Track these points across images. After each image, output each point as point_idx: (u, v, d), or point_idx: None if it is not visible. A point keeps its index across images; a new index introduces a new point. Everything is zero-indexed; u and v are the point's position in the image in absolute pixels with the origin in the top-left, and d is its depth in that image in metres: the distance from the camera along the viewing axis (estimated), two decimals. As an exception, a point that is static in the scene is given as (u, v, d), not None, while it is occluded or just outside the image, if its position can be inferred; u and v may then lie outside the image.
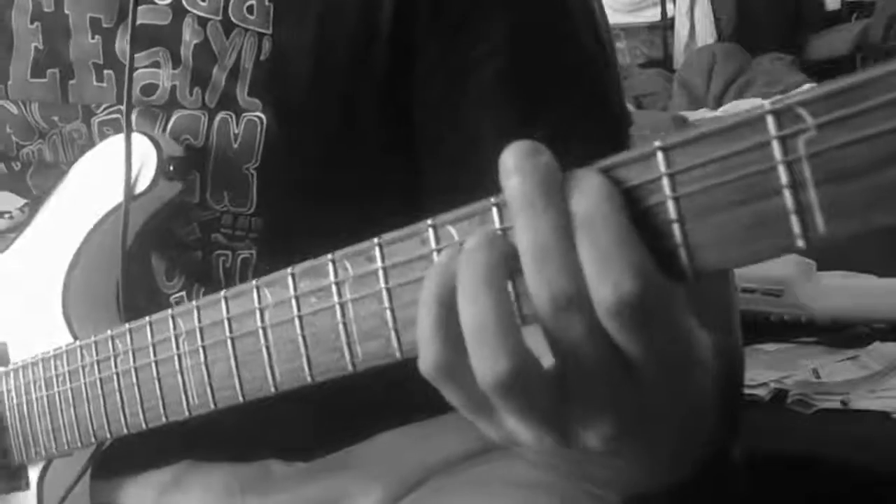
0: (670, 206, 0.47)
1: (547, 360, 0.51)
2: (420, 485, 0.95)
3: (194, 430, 0.77)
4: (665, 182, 0.47)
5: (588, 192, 0.48)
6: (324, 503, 0.94)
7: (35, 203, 0.91)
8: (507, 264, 0.50)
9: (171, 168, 0.82)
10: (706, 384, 0.56)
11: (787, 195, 0.43)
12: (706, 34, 4.15)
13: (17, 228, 0.91)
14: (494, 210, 0.51)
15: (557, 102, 0.83)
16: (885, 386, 1.63)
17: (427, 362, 0.52)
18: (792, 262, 1.86)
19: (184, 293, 0.89)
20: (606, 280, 0.47)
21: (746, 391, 1.55)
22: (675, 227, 0.47)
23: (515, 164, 0.49)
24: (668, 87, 3.97)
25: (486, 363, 0.49)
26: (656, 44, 4.35)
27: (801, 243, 0.43)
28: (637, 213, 0.48)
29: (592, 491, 0.94)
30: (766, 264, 1.89)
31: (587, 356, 0.50)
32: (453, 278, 0.51)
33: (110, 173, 0.83)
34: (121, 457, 0.87)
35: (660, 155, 0.46)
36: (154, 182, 0.81)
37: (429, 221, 0.54)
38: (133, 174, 0.82)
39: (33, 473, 0.88)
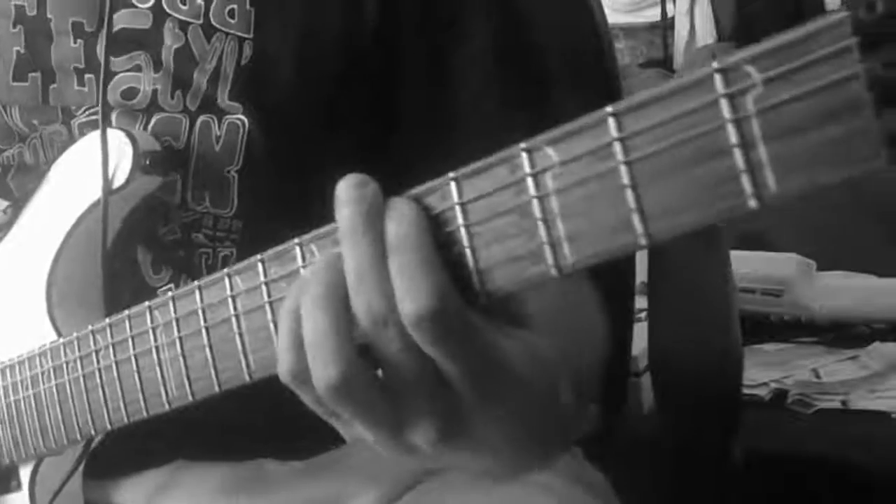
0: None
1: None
2: (416, 484, 0.94)
3: (188, 430, 0.77)
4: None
5: (398, 218, 0.53)
6: (321, 502, 0.94)
7: (17, 205, 0.91)
8: (340, 287, 0.55)
9: (148, 162, 0.82)
10: (539, 384, 0.59)
11: (738, 154, 0.42)
12: (706, 34, 4.14)
13: (1, 230, 0.92)
14: (453, 185, 0.52)
15: (546, 103, 0.83)
16: (885, 386, 1.63)
17: (282, 370, 0.57)
18: (792, 262, 1.85)
19: (171, 286, 0.89)
20: (408, 297, 0.52)
21: (746, 391, 1.54)
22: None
23: (344, 194, 0.55)
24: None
25: (319, 370, 0.55)
26: (656, 44, 4.34)
27: (752, 203, 0.42)
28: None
29: (593, 491, 0.94)
30: (767, 264, 1.90)
31: (404, 367, 0.55)
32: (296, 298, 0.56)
33: (87, 170, 0.83)
34: (114, 456, 0.87)
35: (611, 121, 0.46)
36: (131, 176, 0.82)
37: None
38: (110, 170, 0.82)
39: (24, 474, 0.87)
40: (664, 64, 4.24)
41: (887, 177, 0.46)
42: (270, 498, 0.94)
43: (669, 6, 4.33)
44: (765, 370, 1.68)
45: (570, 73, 0.86)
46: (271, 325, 0.60)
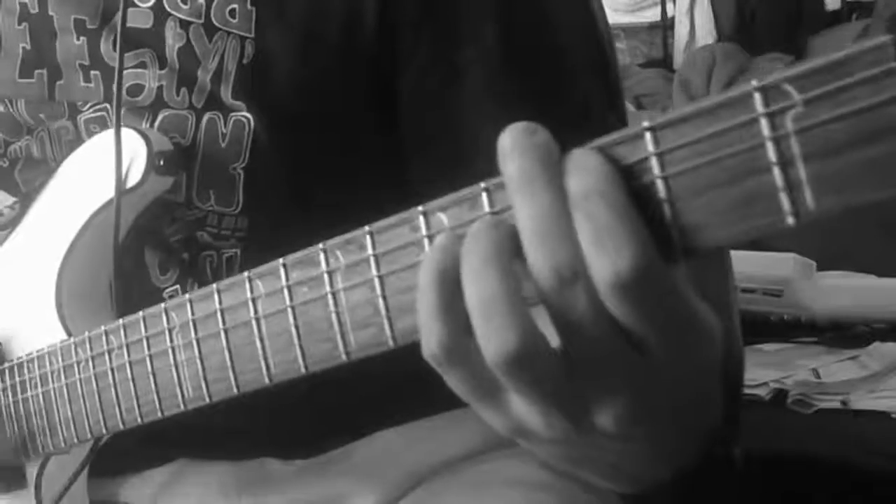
0: (660, 185, 0.47)
1: (555, 340, 0.50)
2: (418, 485, 0.95)
3: (191, 428, 0.77)
4: (654, 162, 0.46)
5: (586, 169, 0.48)
6: (322, 502, 0.94)
7: (25, 200, 0.91)
8: (510, 245, 0.49)
9: (162, 163, 0.82)
10: (714, 364, 0.55)
11: (776, 172, 0.43)
12: (706, 34, 4.14)
13: (8, 226, 0.91)
14: (484, 195, 0.51)
15: (550, 105, 0.82)
16: (885, 386, 1.63)
17: (431, 345, 0.51)
18: (792, 262, 1.86)
19: (177, 287, 0.89)
20: (604, 257, 0.47)
21: (746, 391, 1.54)
22: (666, 207, 0.46)
23: (513, 143, 0.50)
24: (668, 87, 3.96)
25: (495, 339, 0.49)
26: (656, 44, 4.34)
27: (790, 220, 0.43)
28: (631, 191, 0.47)
29: (593, 490, 0.95)
30: (767, 264, 1.90)
31: (591, 334, 0.49)
32: (454, 261, 0.50)
33: (100, 169, 0.83)
34: (118, 455, 0.87)
35: (648, 135, 0.46)
36: (145, 176, 0.81)
37: (420, 208, 0.54)
38: (123, 169, 0.82)
39: (31, 472, 0.87)
40: (664, 64, 4.25)
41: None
42: (273, 497, 0.95)
43: (669, 6, 4.34)
44: (765, 370, 1.68)
45: (573, 71, 0.86)
46: (293, 329, 0.60)
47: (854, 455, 1.49)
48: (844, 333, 1.81)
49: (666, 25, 4.33)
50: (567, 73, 0.84)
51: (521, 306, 0.49)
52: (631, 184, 0.47)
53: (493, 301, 0.49)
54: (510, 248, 0.49)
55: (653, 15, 4.38)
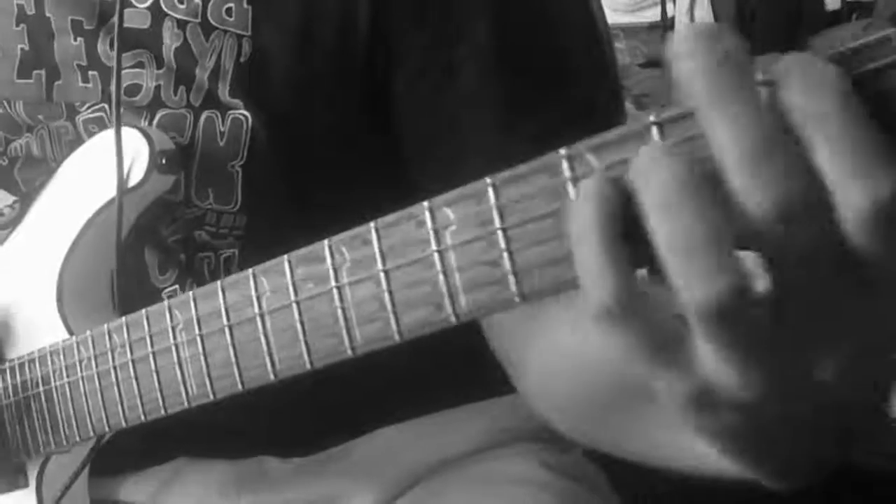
0: None
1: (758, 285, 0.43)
2: (418, 483, 0.95)
3: (191, 427, 0.77)
4: None
5: (810, 80, 0.41)
6: (320, 501, 0.94)
7: (26, 199, 0.91)
8: (700, 172, 0.42)
9: (164, 161, 0.82)
10: None
11: None
12: (706, 34, 4.16)
13: (9, 225, 0.91)
14: (490, 190, 0.51)
15: (546, 102, 0.82)
16: (886, 385, 1.63)
17: (604, 297, 0.44)
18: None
19: (177, 287, 0.89)
20: (857, 181, 0.39)
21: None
22: None
23: (702, 55, 0.42)
24: (668, 87, 3.96)
25: (700, 285, 0.41)
26: (656, 44, 4.35)
27: None
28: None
29: (594, 490, 0.95)
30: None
31: (818, 274, 0.42)
32: (622, 196, 0.44)
33: (102, 168, 0.83)
34: (118, 454, 0.87)
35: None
36: (147, 175, 0.81)
37: (425, 203, 0.53)
38: (125, 168, 0.82)
39: (32, 471, 0.87)
40: (664, 64, 4.24)
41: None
42: (272, 495, 0.95)
43: (669, 6, 4.34)
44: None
45: (572, 70, 0.86)
46: (298, 325, 0.60)
47: (854, 455, 1.49)
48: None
49: (666, 25, 4.33)
50: (566, 72, 0.84)
51: (728, 246, 0.41)
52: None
53: (695, 238, 0.41)
54: (708, 177, 0.42)
55: (653, 15, 4.38)
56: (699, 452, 0.53)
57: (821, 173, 0.40)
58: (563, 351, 0.70)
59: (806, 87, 0.41)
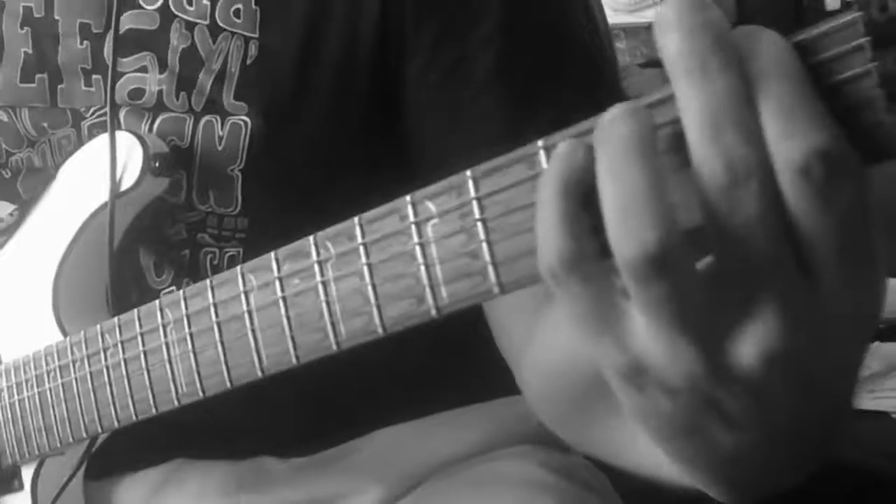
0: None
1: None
2: (419, 484, 0.94)
3: (188, 427, 0.77)
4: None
5: (767, 45, 0.43)
6: (321, 501, 0.94)
7: (24, 207, 0.91)
8: (652, 136, 0.44)
9: (157, 164, 0.82)
10: (868, 337, 0.48)
11: None
12: (706, 34, 4.16)
13: (7, 232, 0.92)
14: (471, 182, 0.51)
15: (555, 93, 0.82)
16: (885, 386, 1.63)
17: (548, 257, 0.45)
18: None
19: (174, 288, 0.89)
20: (794, 135, 0.41)
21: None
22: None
23: (679, 20, 0.44)
24: (668, 87, 3.96)
25: (634, 236, 0.43)
26: (656, 44, 4.35)
27: None
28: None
29: (595, 490, 0.94)
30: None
31: (757, 242, 0.43)
32: (582, 161, 0.46)
33: (96, 172, 0.84)
34: (114, 456, 0.87)
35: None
36: (140, 179, 0.82)
37: (407, 197, 0.54)
38: (119, 171, 0.82)
39: (27, 474, 0.87)
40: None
41: (887, 173, 0.45)
42: (271, 496, 0.94)
43: (670, 6, 4.36)
44: (764, 371, 1.68)
45: (579, 56, 0.86)
46: (284, 321, 0.60)
47: (854, 455, 1.49)
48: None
49: (666, 25, 4.34)
50: (573, 65, 0.84)
51: (666, 204, 0.43)
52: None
53: (635, 194, 0.43)
54: (652, 139, 0.44)
55: (653, 15, 4.37)
56: (656, 459, 0.53)
57: (765, 135, 0.42)
58: (549, 348, 0.71)
59: (757, 49, 0.43)
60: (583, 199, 0.45)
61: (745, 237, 0.43)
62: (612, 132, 0.44)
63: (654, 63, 4.23)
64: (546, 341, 0.73)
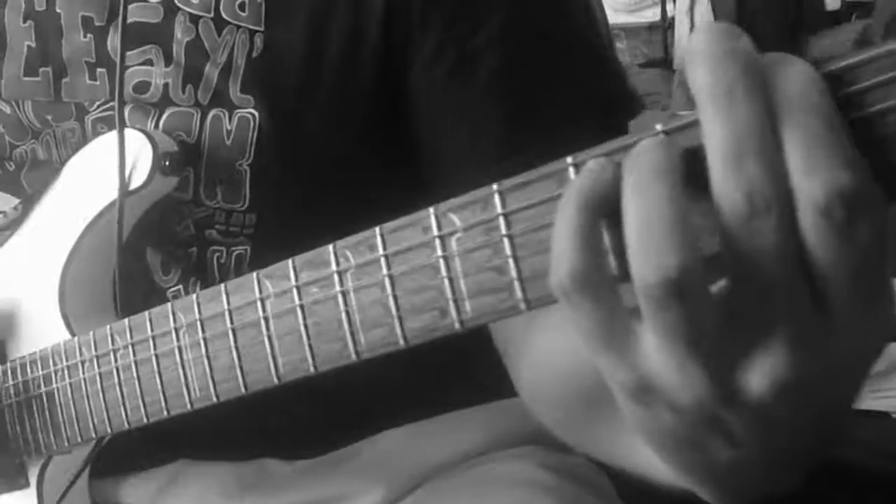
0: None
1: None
2: (421, 485, 0.94)
3: (195, 429, 0.76)
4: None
5: (795, 75, 0.43)
6: (324, 502, 0.94)
7: (29, 201, 0.90)
8: (681, 166, 0.44)
9: (167, 163, 0.82)
10: (871, 364, 0.48)
11: None
12: (706, 34, 4.16)
13: (11, 226, 0.91)
14: (497, 197, 0.51)
15: (557, 95, 0.82)
16: (886, 386, 1.63)
17: (560, 273, 0.46)
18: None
19: (180, 287, 0.88)
20: (818, 173, 0.41)
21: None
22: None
23: (709, 48, 0.44)
24: (668, 87, 3.97)
25: (653, 260, 0.43)
26: (656, 44, 4.35)
27: None
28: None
29: (596, 492, 0.94)
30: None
31: (774, 275, 0.43)
32: (604, 183, 0.46)
33: (105, 169, 0.83)
34: (119, 456, 0.87)
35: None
36: (149, 177, 0.81)
37: (431, 209, 0.54)
38: (128, 170, 0.82)
39: (33, 472, 0.87)
40: (664, 64, 4.25)
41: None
42: (274, 498, 0.95)
43: (669, 6, 4.35)
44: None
45: (584, 60, 0.86)
46: (302, 330, 0.60)
47: (854, 455, 1.49)
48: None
49: (666, 25, 4.34)
50: (578, 67, 0.84)
51: (688, 231, 0.43)
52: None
53: (659, 218, 0.43)
54: (681, 168, 0.44)
55: (653, 15, 4.38)
56: (653, 462, 0.54)
57: (787, 168, 0.42)
58: (551, 351, 0.71)
59: (783, 81, 0.43)
60: (604, 218, 0.46)
61: (761, 268, 0.43)
62: (643, 157, 0.45)
63: (654, 63, 4.24)
64: (548, 344, 0.73)
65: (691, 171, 0.44)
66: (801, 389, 0.45)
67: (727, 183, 0.43)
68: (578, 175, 0.47)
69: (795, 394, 0.45)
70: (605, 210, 0.46)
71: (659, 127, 0.46)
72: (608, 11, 0.92)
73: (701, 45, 0.44)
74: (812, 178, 0.41)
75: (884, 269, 0.44)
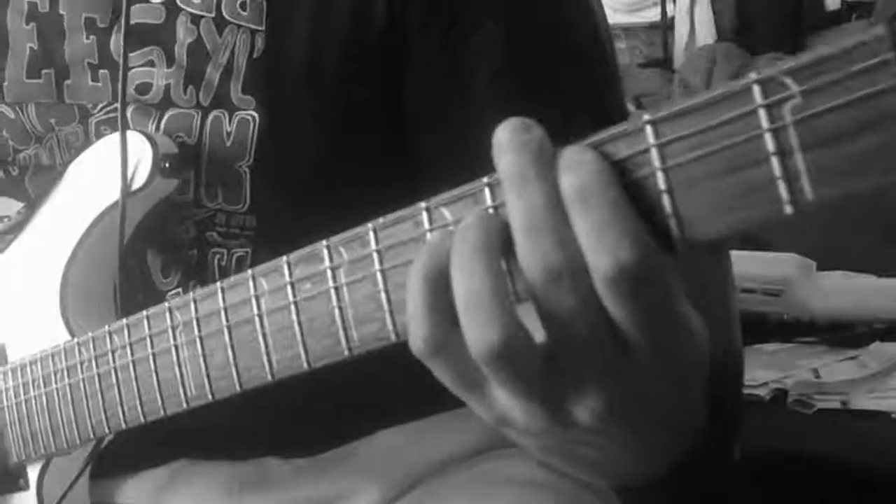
0: (659, 177, 0.47)
1: (539, 335, 0.52)
2: (419, 484, 0.94)
3: (191, 428, 0.77)
4: (654, 154, 0.47)
5: (580, 166, 0.49)
6: (322, 501, 0.94)
7: (32, 205, 0.91)
8: (500, 240, 0.50)
9: (167, 165, 0.82)
10: (700, 369, 0.56)
11: (775, 162, 0.43)
12: (706, 34, 4.15)
13: (15, 229, 0.91)
14: (487, 190, 0.51)
15: (556, 98, 0.83)
16: (886, 386, 1.63)
17: (417, 338, 0.52)
18: (792, 262, 1.85)
19: (180, 290, 0.89)
20: (603, 250, 0.48)
21: (746, 391, 1.54)
22: (665, 198, 0.47)
23: (508, 140, 0.50)
24: (668, 87, 3.98)
25: (479, 333, 0.50)
26: (656, 44, 4.35)
27: (788, 209, 0.44)
28: (628, 185, 0.48)
29: (594, 490, 0.95)
30: (767, 264, 1.88)
31: (579, 329, 0.50)
32: (444, 256, 0.51)
33: (106, 171, 0.83)
34: (119, 456, 0.87)
35: (648, 128, 0.47)
36: (150, 179, 0.82)
37: (422, 204, 0.54)
38: (129, 171, 0.82)
39: (32, 473, 0.87)
40: (664, 64, 4.26)
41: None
42: (273, 496, 0.95)
43: (669, 6, 4.35)
44: (765, 370, 1.68)
45: (582, 62, 0.86)
46: (296, 326, 0.60)
47: (854, 455, 1.49)
48: (844, 333, 1.80)
49: (666, 25, 4.34)
50: (573, 69, 0.85)
51: (505, 302, 0.50)
52: (627, 178, 0.48)
53: (479, 295, 0.50)
54: (499, 242, 0.50)
55: (653, 15, 4.38)
56: None
57: (579, 244, 0.49)
58: None
59: (568, 170, 0.49)
60: (445, 285, 0.51)
61: (567, 325, 0.50)
62: (465, 234, 0.51)
63: (654, 63, 4.24)
64: None
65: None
66: (618, 411, 0.53)
67: (526, 254, 0.50)
68: (423, 246, 0.53)
69: (618, 417, 0.53)
70: (444, 280, 0.51)
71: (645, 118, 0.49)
72: (608, 11, 0.92)
73: (503, 139, 0.51)
74: (598, 256, 0.48)
75: (670, 318, 0.51)
